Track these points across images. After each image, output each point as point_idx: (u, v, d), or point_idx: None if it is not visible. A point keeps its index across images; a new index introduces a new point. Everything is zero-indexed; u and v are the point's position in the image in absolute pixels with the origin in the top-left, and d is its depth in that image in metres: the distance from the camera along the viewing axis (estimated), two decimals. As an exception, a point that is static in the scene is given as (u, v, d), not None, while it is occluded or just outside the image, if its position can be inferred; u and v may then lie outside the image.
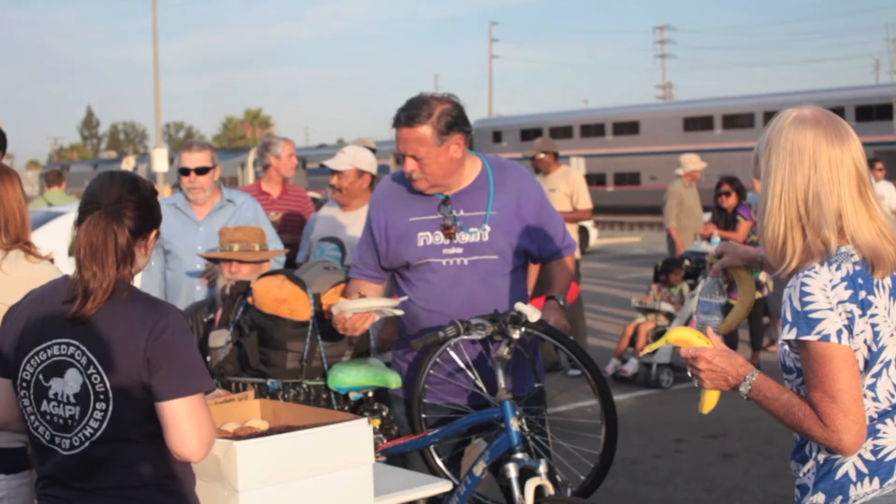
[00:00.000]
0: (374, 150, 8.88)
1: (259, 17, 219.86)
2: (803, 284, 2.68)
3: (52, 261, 3.90)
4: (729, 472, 7.26)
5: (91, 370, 2.91)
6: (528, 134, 40.90)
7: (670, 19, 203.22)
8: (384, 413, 4.35)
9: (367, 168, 6.30)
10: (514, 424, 3.96)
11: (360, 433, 3.42)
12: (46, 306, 3.04)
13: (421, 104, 4.24)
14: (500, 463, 3.98)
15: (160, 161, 34.33)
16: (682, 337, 2.95)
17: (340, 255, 6.22)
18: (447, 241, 4.34)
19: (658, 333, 10.31)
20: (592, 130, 43.25)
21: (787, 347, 2.78)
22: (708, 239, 10.98)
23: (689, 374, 2.92)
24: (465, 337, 4.04)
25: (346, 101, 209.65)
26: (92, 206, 3.03)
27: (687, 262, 10.68)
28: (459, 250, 4.33)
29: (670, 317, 10.44)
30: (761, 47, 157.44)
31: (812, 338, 2.63)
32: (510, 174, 4.42)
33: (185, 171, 6.01)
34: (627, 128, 42.14)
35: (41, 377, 2.97)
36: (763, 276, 10.54)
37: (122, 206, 3.02)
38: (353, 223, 6.24)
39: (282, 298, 4.37)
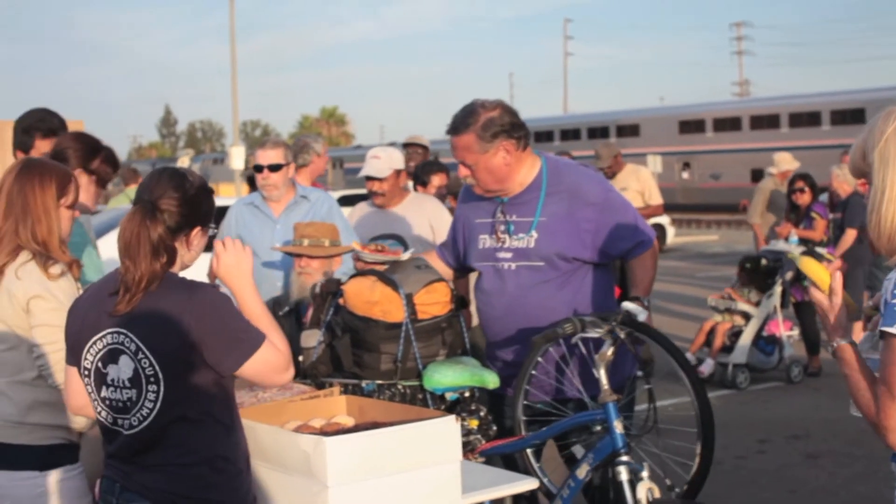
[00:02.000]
0: (426, 148, 8.88)
1: (334, 16, 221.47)
2: None
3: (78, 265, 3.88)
4: (814, 473, 7.15)
5: (140, 356, 3.07)
6: (567, 135, 40.86)
7: (747, 16, 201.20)
8: (482, 413, 4.29)
9: (402, 166, 6.44)
10: (619, 427, 3.92)
11: (448, 430, 3.41)
12: (100, 298, 3.20)
13: (468, 112, 4.28)
14: (600, 465, 3.97)
15: (237, 159, 34.69)
16: (811, 270, 3.07)
17: (403, 250, 6.27)
18: (499, 245, 4.39)
19: (735, 333, 10.20)
20: (627, 131, 43.10)
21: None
22: (786, 238, 10.82)
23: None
24: (583, 335, 4.00)
25: (420, 100, 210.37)
26: (138, 201, 3.20)
27: (764, 261, 10.53)
28: (509, 255, 4.37)
29: (747, 316, 10.31)
30: (840, 43, 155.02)
31: (892, 330, 2.58)
32: (566, 177, 4.37)
33: (258, 168, 6.07)
34: (630, 129, 41.98)
35: (100, 365, 3.15)
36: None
37: (162, 203, 3.16)
38: (398, 220, 6.35)
39: (374, 301, 4.31)
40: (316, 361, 4.47)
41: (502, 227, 4.37)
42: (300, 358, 4.48)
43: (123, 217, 3.18)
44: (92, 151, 4.65)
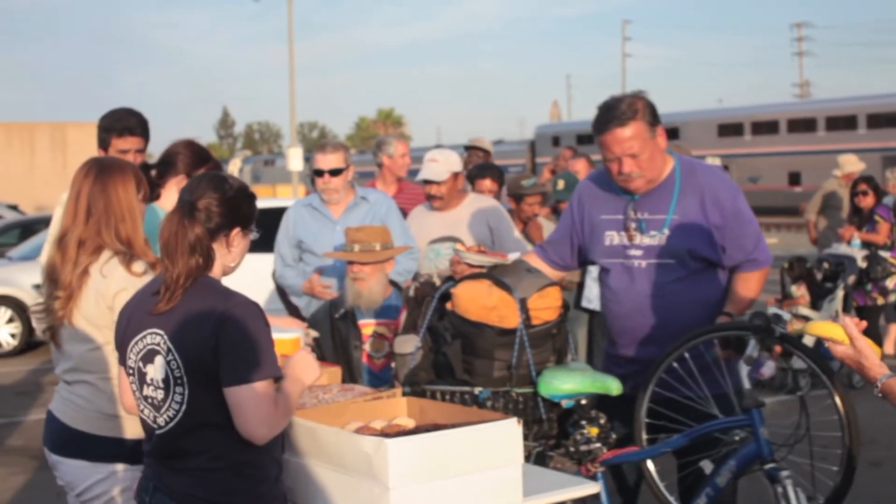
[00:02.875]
0: (488, 152, 8.89)
1: (391, 18, 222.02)
2: None
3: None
4: (878, 481, 7.03)
5: (170, 357, 3.14)
6: (583, 139, 40.85)
7: (808, 16, 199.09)
8: (601, 421, 4.15)
9: (460, 168, 6.42)
10: (765, 433, 3.84)
11: (509, 432, 3.39)
12: (144, 299, 3.28)
13: (623, 103, 4.20)
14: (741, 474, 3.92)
15: (295, 160, 34.87)
16: (821, 330, 3.11)
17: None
18: (628, 243, 4.33)
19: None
20: (668, 134, 43.01)
21: None
22: (848, 242, 10.69)
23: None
24: (738, 333, 3.98)
25: (477, 101, 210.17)
26: (178, 202, 3.26)
27: (826, 265, 10.40)
28: (639, 252, 4.31)
29: (808, 321, 10.16)
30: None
31: None
32: (699, 177, 4.32)
33: (319, 173, 6.10)
34: (670, 133, 42.15)
35: (141, 364, 3.22)
36: (890, 283, 10.27)
37: (201, 204, 3.20)
38: (456, 222, 6.33)
39: (491, 306, 4.16)
40: (416, 368, 4.35)
41: (634, 225, 4.32)
42: (392, 365, 4.43)
43: (163, 218, 3.24)
44: (200, 161, 4.76)
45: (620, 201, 4.37)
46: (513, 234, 6.56)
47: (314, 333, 4.93)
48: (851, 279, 10.10)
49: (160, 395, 3.17)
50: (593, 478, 4.06)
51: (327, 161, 6.06)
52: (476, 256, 4.43)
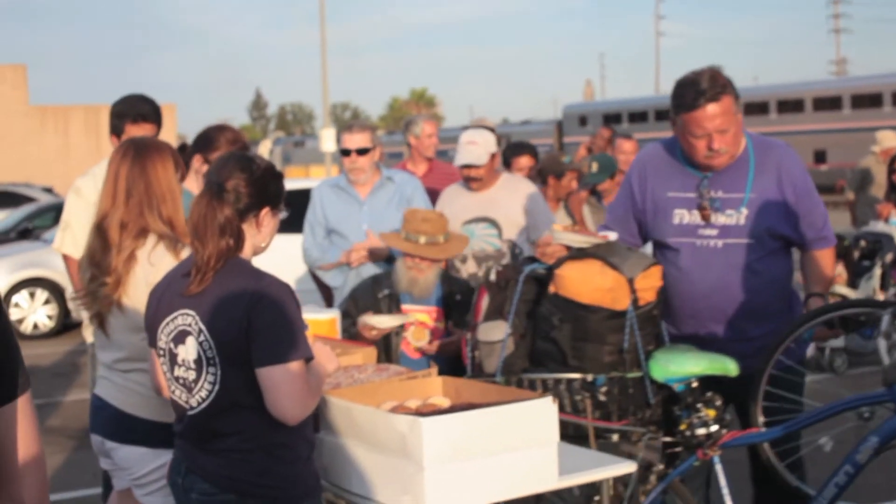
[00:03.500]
0: (493, 130, 8.88)
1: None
2: None
3: None
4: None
5: (202, 337, 3.15)
6: (610, 119, 40.73)
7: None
8: (717, 403, 3.99)
9: (496, 148, 6.37)
10: None
11: (544, 411, 3.38)
12: (175, 280, 3.29)
13: (709, 78, 4.11)
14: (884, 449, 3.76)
15: (328, 141, 34.90)
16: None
17: (497, 232, 6.23)
18: (702, 223, 4.22)
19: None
20: (665, 115, 43.12)
21: None
22: (886, 219, 10.57)
23: None
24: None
25: (510, 80, 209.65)
26: (206, 184, 3.26)
27: (863, 243, 10.29)
28: (714, 232, 4.21)
29: (843, 298, 10.09)
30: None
31: None
32: (773, 154, 4.25)
33: (345, 152, 6.10)
34: None
35: (172, 345, 3.23)
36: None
37: (229, 185, 3.20)
38: (491, 202, 6.26)
39: (607, 287, 3.99)
40: (512, 357, 4.17)
41: (708, 203, 4.21)
42: (476, 353, 4.24)
43: (192, 201, 3.24)
44: (234, 141, 4.77)
45: (691, 178, 4.26)
46: (548, 215, 6.53)
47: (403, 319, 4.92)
48: (889, 257, 9.99)
49: (192, 375, 3.18)
50: (710, 462, 3.98)
51: (354, 140, 6.05)
52: (573, 236, 4.24)
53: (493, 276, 4.38)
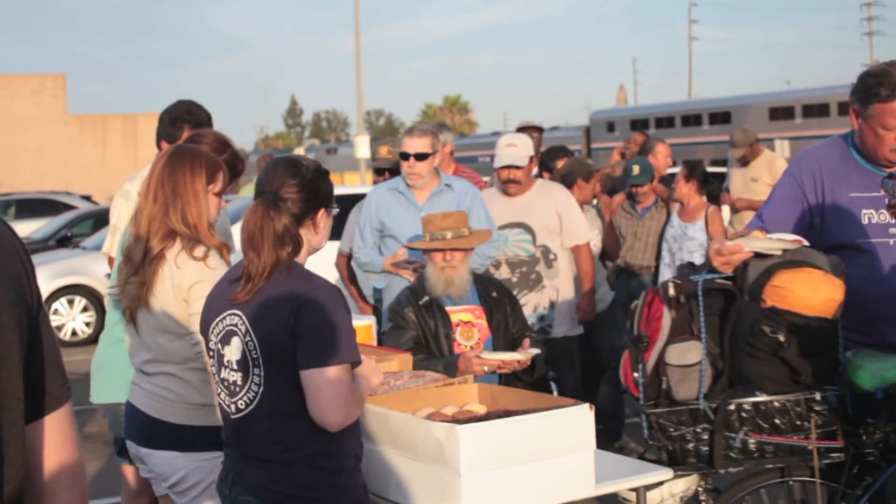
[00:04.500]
0: (542, 130, 8.86)
1: (457, 5, 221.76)
2: None
3: (228, 249, 3.93)
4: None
5: (247, 338, 3.12)
6: (637, 124, 40.71)
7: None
8: None
9: (533, 151, 6.37)
10: None
11: (581, 418, 3.38)
12: (226, 282, 3.28)
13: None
14: None
15: (362, 148, 34.98)
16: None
17: (531, 238, 6.20)
18: (893, 221, 4.03)
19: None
20: (691, 120, 43.12)
21: None
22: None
23: None
24: None
25: (543, 86, 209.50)
26: (259, 194, 3.24)
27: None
28: None
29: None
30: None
31: None
32: None
33: (405, 156, 6.02)
34: (721, 117, 41.56)
35: (220, 346, 3.22)
36: None
37: (283, 192, 3.18)
38: (530, 204, 6.28)
39: (839, 298, 3.75)
40: (718, 386, 3.85)
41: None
42: (664, 378, 3.88)
43: (247, 210, 3.21)
44: (222, 147, 4.74)
45: (873, 177, 4.06)
46: (582, 222, 6.53)
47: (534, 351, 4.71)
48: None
49: (235, 377, 3.16)
50: None
51: (414, 145, 5.96)
52: (769, 243, 3.94)
53: (671, 290, 3.95)
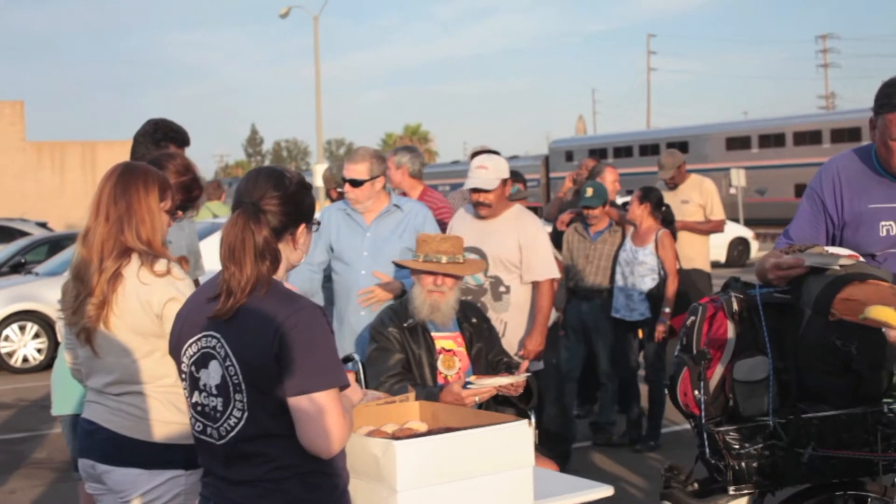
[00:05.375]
0: (498, 153, 8.87)
1: (418, 35, 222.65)
2: None
3: (186, 261, 3.90)
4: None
5: (227, 362, 2.95)
6: (595, 153, 41.10)
7: (833, 28, 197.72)
8: None
9: (508, 174, 6.24)
10: None
11: (519, 435, 3.37)
12: (200, 301, 3.11)
13: None
14: None
15: (321, 177, 35.01)
16: (880, 315, 3.09)
17: (485, 266, 6.11)
18: None
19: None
20: (649, 150, 43.70)
21: None
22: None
23: None
24: None
25: (503, 116, 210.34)
26: (238, 205, 3.07)
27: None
28: None
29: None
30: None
31: None
32: None
33: (344, 181, 6.04)
34: (679, 147, 42.40)
35: (193, 368, 3.05)
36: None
37: (264, 204, 3.03)
38: (494, 232, 6.16)
39: None
40: (781, 395, 3.81)
41: None
42: (731, 396, 3.79)
43: (226, 222, 3.08)
44: (185, 171, 4.73)
45: (891, 188, 4.03)
46: (546, 258, 6.29)
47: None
48: None
49: (215, 402, 3.00)
50: None
51: (350, 171, 5.96)
52: (824, 258, 3.84)
53: (735, 305, 3.86)
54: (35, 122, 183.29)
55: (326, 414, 2.85)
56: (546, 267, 6.25)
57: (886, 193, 4.04)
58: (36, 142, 40.77)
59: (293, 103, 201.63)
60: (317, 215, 6.53)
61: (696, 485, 3.92)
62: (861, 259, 3.90)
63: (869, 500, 3.88)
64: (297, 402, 2.87)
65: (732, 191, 34.16)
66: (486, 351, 5.01)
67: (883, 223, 4.05)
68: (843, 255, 3.86)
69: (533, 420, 5.06)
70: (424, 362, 4.84)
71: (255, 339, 2.92)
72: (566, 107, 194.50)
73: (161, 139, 5.13)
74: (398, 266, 5.47)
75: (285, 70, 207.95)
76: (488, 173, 6.14)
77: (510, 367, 4.92)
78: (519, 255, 6.17)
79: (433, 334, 4.92)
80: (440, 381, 4.84)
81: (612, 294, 8.21)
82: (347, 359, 5.50)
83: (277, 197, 3.05)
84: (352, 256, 5.94)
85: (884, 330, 3.21)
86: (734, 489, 3.76)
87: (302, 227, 3.13)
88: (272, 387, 2.90)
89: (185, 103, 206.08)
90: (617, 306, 8.18)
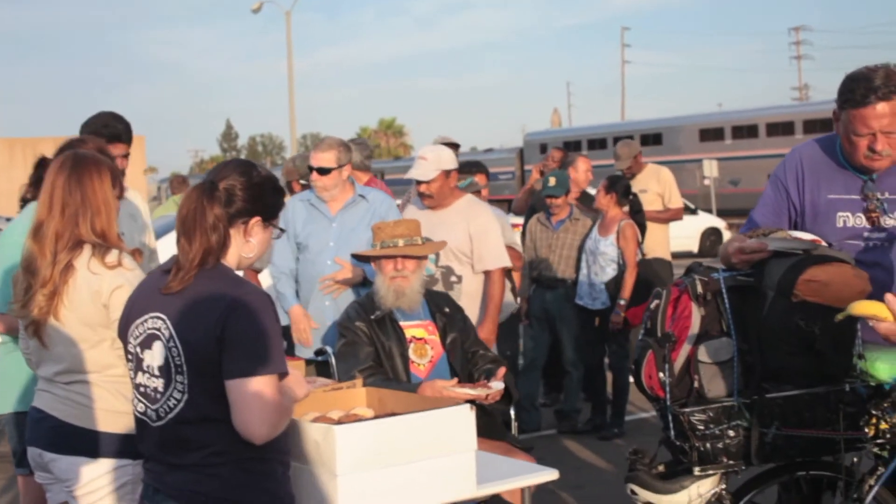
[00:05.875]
0: (457, 147, 8.86)
1: (392, 30, 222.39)
2: None
3: (140, 253, 3.89)
4: None
5: (171, 343, 2.98)
6: (570, 146, 41.19)
7: (806, 20, 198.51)
8: None
9: (452, 166, 6.21)
10: None
11: (461, 419, 3.36)
12: (151, 283, 3.15)
13: (882, 75, 3.84)
14: None
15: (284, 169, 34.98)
16: (866, 309, 3.14)
17: (434, 257, 6.09)
18: (869, 226, 4.01)
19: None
20: (650, 139, 44.01)
21: None
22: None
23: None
24: None
25: (478, 110, 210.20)
26: (201, 183, 3.12)
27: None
28: (882, 235, 4.00)
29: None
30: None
31: None
32: None
33: (310, 169, 6.02)
34: (653, 139, 42.37)
35: (139, 349, 3.08)
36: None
37: (224, 185, 3.07)
38: (443, 222, 6.13)
39: (868, 290, 3.63)
40: (751, 376, 3.80)
41: (876, 206, 3.97)
42: (696, 377, 3.79)
43: (183, 196, 3.12)
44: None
45: (853, 181, 4.03)
46: (497, 247, 6.28)
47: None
48: None
49: (156, 383, 3.02)
50: None
51: (317, 159, 5.93)
52: (787, 243, 3.88)
53: (699, 288, 3.88)
54: (7, 120, 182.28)
55: (261, 399, 2.87)
56: (497, 256, 6.25)
57: (846, 185, 4.04)
58: (7, 139, 40.54)
59: (268, 98, 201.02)
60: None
61: (661, 467, 3.95)
62: (824, 244, 3.91)
63: (832, 479, 3.89)
64: (233, 386, 2.89)
65: (706, 182, 34.20)
66: (461, 341, 4.96)
67: (840, 214, 4.06)
68: (806, 240, 3.89)
69: (512, 415, 5.11)
70: (395, 353, 4.79)
71: (200, 321, 2.95)
72: (542, 100, 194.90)
73: (93, 133, 5.09)
74: (358, 258, 5.43)
75: (260, 65, 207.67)
76: (428, 164, 6.14)
77: (489, 375, 4.80)
78: (470, 245, 6.16)
79: (402, 323, 4.88)
80: (412, 370, 4.81)
81: (577, 283, 8.23)
82: (320, 351, 5.49)
83: (238, 182, 3.10)
84: (318, 247, 5.92)
85: (872, 323, 3.22)
86: (699, 470, 3.78)
87: (256, 220, 3.15)
88: (213, 370, 2.93)
89: (159, 99, 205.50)
90: (581, 294, 8.20)
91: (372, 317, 4.84)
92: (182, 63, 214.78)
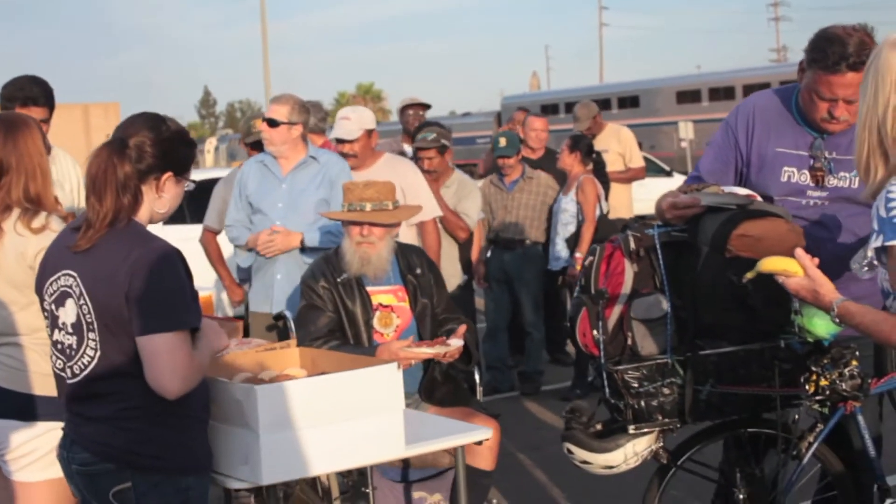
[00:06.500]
0: (427, 107, 8.80)
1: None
2: (888, 192, 2.75)
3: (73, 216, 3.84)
4: None
5: (81, 301, 3.00)
6: (547, 109, 41.17)
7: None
8: (857, 353, 3.63)
9: (373, 125, 6.28)
10: None
11: (388, 378, 3.33)
12: (63, 240, 3.14)
13: (861, 44, 3.74)
14: None
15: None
16: (774, 265, 3.16)
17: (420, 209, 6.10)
18: (812, 184, 3.96)
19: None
20: (600, 105, 44.00)
21: (882, 269, 2.84)
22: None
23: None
24: None
25: (457, 73, 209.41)
26: (110, 139, 3.10)
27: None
28: (824, 194, 3.96)
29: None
30: (883, 8, 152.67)
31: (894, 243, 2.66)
32: None
33: (263, 120, 5.94)
34: (630, 101, 42.25)
35: (53, 307, 3.09)
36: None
37: (132, 142, 3.05)
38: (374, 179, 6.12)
39: (802, 244, 3.51)
40: (684, 333, 3.76)
41: (823, 164, 3.93)
42: (629, 334, 3.77)
43: (92, 153, 3.09)
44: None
45: (804, 137, 3.98)
46: (425, 197, 6.32)
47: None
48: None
49: (70, 340, 3.04)
50: (852, 415, 3.69)
51: (270, 110, 5.85)
52: (720, 198, 3.82)
53: (632, 244, 3.84)
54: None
55: (171, 355, 2.90)
56: (429, 207, 6.29)
57: (796, 140, 4.00)
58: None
59: (246, 64, 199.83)
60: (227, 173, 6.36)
61: (599, 426, 3.92)
62: (759, 199, 3.87)
63: (772, 436, 3.88)
64: (143, 342, 2.91)
65: (683, 144, 34.21)
66: (430, 308, 4.75)
67: (786, 169, 4.01)
68: (741, 195, 3.85)
69: (477, 379, 5.05)
70: (360, 320, 4.60)
71: (108, 278, 2.95)
72: (520, 64, 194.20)
73: (9, 98, 5.02)
74: (327, 217, 5.30)
75: (237, 31, 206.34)
76: (350, 124, 6.18)
77: (450, 333, 4.65)
78: (403, 200, 6.12)
79: (369, 289, 4.67)
80: (377, 339, 4.64)
81: (534, 243, 8.23)
82: (280, 316, 5.43)
83: (148, 137, 3.07)
84: (267, 208, 5.85)
85: (780, 280, 3.20)
86: (634, 428, 3.76)
87: (168, 175, 3.12)
88: (123, 326, 2.95)
89: (136, 67, 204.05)
90: (550, 258, 8.21)
91: (338, 279, 4.63)
92: (159, 28, 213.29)
